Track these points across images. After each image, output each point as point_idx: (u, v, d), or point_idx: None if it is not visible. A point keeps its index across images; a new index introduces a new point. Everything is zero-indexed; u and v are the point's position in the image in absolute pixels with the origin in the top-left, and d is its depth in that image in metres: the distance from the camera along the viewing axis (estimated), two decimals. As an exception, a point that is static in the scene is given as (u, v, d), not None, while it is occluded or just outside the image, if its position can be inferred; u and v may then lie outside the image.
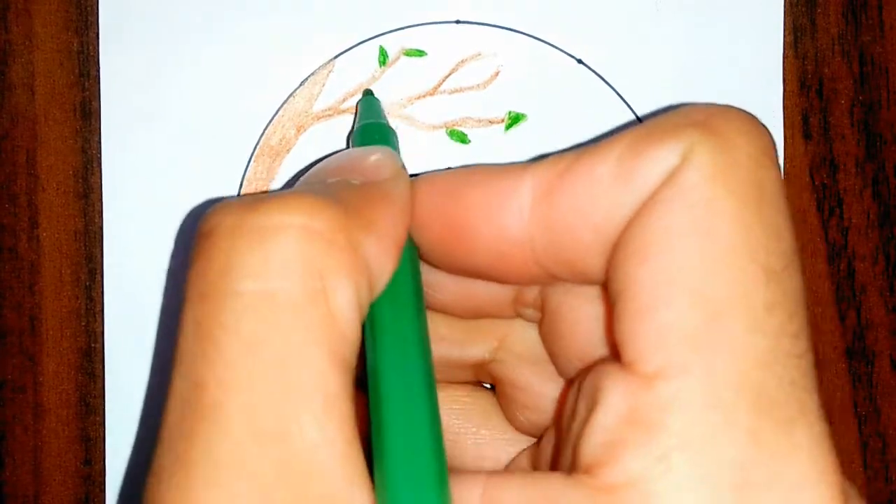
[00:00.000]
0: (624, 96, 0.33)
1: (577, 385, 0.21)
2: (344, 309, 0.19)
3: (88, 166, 0.33)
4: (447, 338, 0.26)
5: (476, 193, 0.22)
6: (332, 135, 0.33)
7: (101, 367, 0.33)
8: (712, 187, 0.19)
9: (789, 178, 0.34)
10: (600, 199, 0.20)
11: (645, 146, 0.20)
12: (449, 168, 0.23)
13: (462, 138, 0.33)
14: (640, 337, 0.19)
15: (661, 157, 0.19)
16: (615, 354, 0.20)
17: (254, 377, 0.18)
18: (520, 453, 0.26)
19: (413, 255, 0.23)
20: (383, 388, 0.20)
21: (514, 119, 0.33)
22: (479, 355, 0.26)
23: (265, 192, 0.22)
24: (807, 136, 0.34)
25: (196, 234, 0.20)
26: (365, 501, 0.18)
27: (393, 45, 0.33)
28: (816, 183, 0.34)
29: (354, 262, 0.19)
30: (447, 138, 0.33)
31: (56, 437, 0.33)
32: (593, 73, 0.33)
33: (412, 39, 0.33)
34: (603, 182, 0.20)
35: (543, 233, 0.21)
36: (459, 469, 0.23)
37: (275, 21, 0.33)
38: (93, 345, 0.33)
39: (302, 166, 0.33)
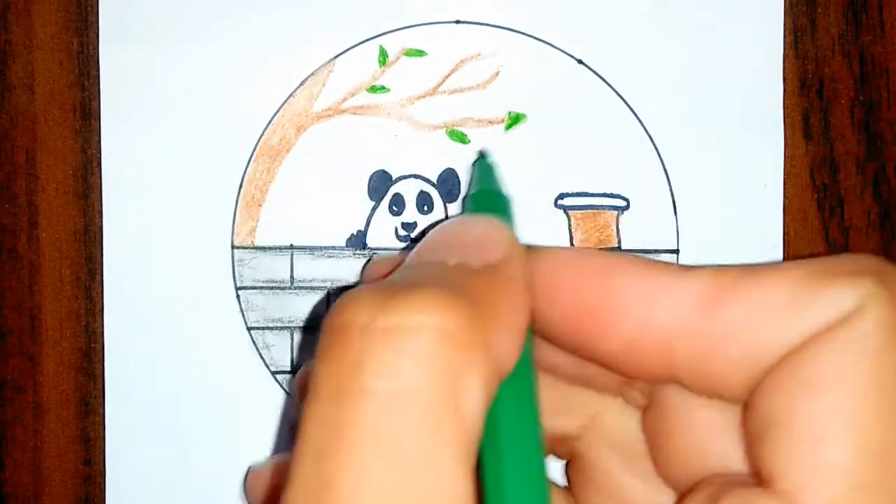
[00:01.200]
0: (624, 96, 0.33)
1: (706, 501, 0.21)
2: (474, 409, 0.19)
3: (88, 166, 0.33)
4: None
5: (629, 285, 0.22)
6: (331, 135, 0.33)
7: (101, 367, 0.33)
8: (885, 339, 0.19)
9: (789, 178, 0.34)
10: (769, 321, 0.20)
11: (822, 283, 0.20)
12: (572, 245, 0.23)
13: (462, 138, 0.33)
14: (802, 469, 0.19)
15: (838, 298, 0.20)
16: (757, 480, 0.20)
17: (385, 477, 0.18)
18: None
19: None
20: (507, 485, 0.20)
21: (514, 119, 0.33)
22: (566, 429, 0.26)
23: (392, 273, 0.23)
24: (807, 136, 0.34)
25: (326, 325, 0.20)
26: None
27: (393, 44, 0.33)
28: (817, 183, 0.34)
29: (485, 359, 0.19)
30: (447, 138, 0.33)
31: (56, 437, 0.33)
32: (593, 73, 0.33)
33: (412, 39, 0.33)
34: (774, 306, 0.20)
35: (692, 341, 0.21)
36: None
37: (275, 21, 0.33)
38: (93, 345, 0.33)
39: (302, 166, 0.33)
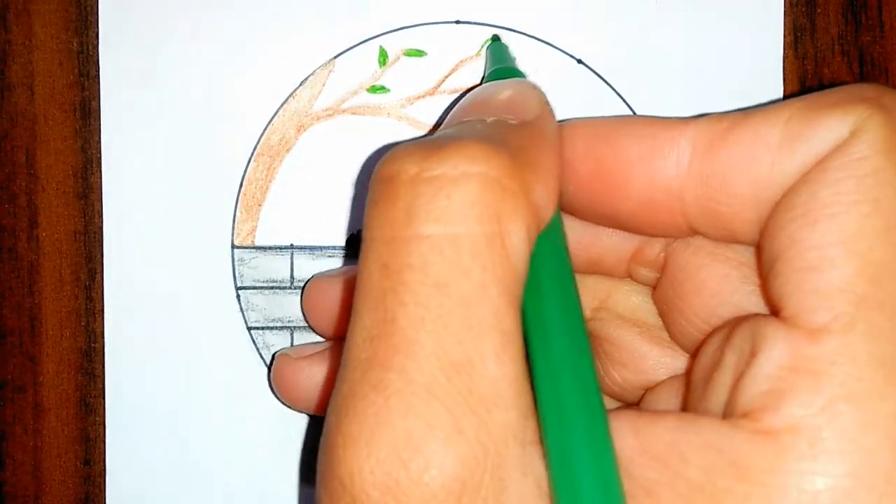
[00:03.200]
0: (624, 96, 0.33)
1: (723, 337, 0.22)
2: (518, 251, 0.20)
3: (88, 166, 0.33)
4: None
5: (633, 140, 0.23)
6: (331, 134, 0.33)
7: (101, 367, 0.33)
8: (881, 161, 0.20)
9: (789, 178, 0.34)
10: (764, 158, 0.21)
11: (816, 114, 0.21)
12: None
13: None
14: (806, 293, 0.19)
15: (832, 127, 0.20)
16: (771, 310, 0.21)
17: (442, 314, 0.19)
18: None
19: None
20: (554, 328, 0.21)
21: (514, 119, 0.33)
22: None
23: (433, 133, 0.24)
24: (807, 136, 0.34)
25: (375, 178, 0.21)
26: (534, 433, 0.19)
27: (393, 44, 0.33)
28: (816, 183, 0.34)
29: (527, 205, 0.20)
30: (447, 138, 0.33)
31: (56, 437, 0.33)
32: (593, 73, 0.33)
33: (412, 39, 0.33)
34: (769, 143, 0.21)
35: (699, 186, 0.22)
36: None
37: (275, 21, 0.33)
38: (93, 345, 0.33)
39: (302, 166, 0.33)
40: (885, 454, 0.18)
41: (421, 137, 0.22)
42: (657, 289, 0.26)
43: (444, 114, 0.33)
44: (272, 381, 0.32)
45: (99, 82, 0.33)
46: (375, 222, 0.20)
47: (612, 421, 0.20)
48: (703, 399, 0.22)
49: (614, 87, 0.33)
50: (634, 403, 0.26)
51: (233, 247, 0.33)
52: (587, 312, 0.27)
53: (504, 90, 0.25)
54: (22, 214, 0.33)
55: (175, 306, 0.33)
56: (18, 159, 0.33)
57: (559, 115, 0.33)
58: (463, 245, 0.20)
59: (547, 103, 0.24)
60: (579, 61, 0.33)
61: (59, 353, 0.33)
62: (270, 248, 0.33)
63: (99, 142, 0.33)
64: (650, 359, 0.26)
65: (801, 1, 0.33)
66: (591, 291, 0.27)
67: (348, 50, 0.33)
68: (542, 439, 0.19)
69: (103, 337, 0.33)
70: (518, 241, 0.20)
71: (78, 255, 0.33)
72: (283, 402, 0.32)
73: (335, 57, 0.33)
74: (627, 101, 0.33)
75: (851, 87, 0.21)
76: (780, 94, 0.33)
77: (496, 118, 0.23)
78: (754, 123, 0.21)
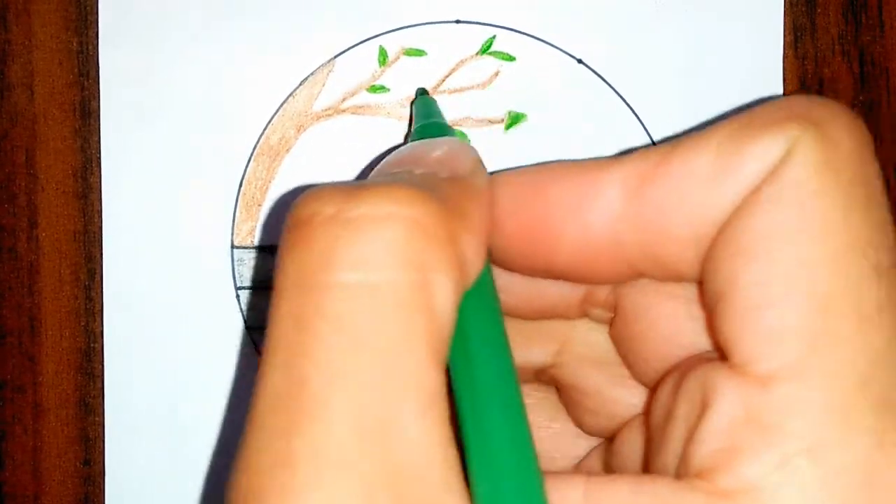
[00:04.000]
0: (624, 96, 0.33)
1: (673, 385, 0.21)
2: (444, 304, 0.18)
3: (88, 166, 0.33)
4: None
5: (561, 189, 0.21)
6: (331, 134, 0.33)
7: (100, 367, 0.33)
8: (819, 183, 0.18)
9: (789, 178, 0.34)
10: (698, 193, 0.19)
11: (745, 139, 0.19)
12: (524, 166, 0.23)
13: (462, 137, 0.33)
14: (753, 337, 0.18)
15: (764, 151, 0.19)
16: (719, 354, 0.19)
17: (358, 372, 0.17)
18: (590, 452, 0.26)
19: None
20: (480, 389, 0.19)
21: (514, 119, 0.33)
22: (541, 359, 0.25)
23: (353, 181, 0.22)
24: (807, 136, 0.34)
25: (288, 220, 0.19)
26: (461, 502, 0.17)
27: (393, 44, 0.33)
28: (816, 183, 0.34)
29: (455, 256, 0.19)
30: (447, 138, 0.33)
31: (56, 437, 0.33)
32: (593, 73, 0.33)
33: (412, 39, 0.33)
34: (700, 176, 0.19)
35: (634, 229, 0.20)
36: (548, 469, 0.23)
37: (274, 20, 0.33)
38: (92, 345, 0.33)
39: (302, 166, 0.33)
40: None
41: (343, 182, 0.20)
42: (612, 328, 0.24)
43: (367, 169, 0.33)
44: None
45: (98, 82, 0.33)
46: (288, 268, 0.18)
47: (562, 488, 0.18)
48: (660, 451, 0.20)
49: (614, 87, 0.33)
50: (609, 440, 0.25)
51: (232, 247, 0.33)
52: (549, 357, 0.25)
53: (436, 147, 0.23)
54: (21, 214, 0.33)
55: (175, 306, 0.33)
56: (18, 159, 0.33)
57: (559, 117, 0.33)
58: (384, 294, 0.18)
59: (479, 161, 0.23)
60: (579, 61, 0.33)
61: (58, 353, 0.33)
62: (270, 248, 0.33)
63: (98, 141, 0.33)
64: (619, 402, 0.24)
65: (801, 1, 0.33)
66: (549, 335, 0.25)
67: (348, 49, 0.33)
68: None
69: (103, 337, 0.33)
70: (444, 292, 0.18)
71: (77, 255, 0.33)
72: None
73: (335, 56, 0.33)
74: (627, 101, 0.33)
75: (780, 102, 0.20)
76: (779, 94, 0.33)
77: (426, 171, 0.22)
78: (683, 156, 0.20)
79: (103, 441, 0.33)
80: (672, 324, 0.22)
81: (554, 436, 0.26)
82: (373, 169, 0.24)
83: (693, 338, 0.22)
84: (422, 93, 0.33)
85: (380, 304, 0.18)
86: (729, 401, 0.18)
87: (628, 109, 0.33)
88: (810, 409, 0.17)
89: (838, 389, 0.17)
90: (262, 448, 0.17)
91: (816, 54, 0.34)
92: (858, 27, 0.33)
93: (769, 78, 0.33)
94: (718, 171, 0.19)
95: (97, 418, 0.33)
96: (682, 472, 0.19)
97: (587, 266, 0.21)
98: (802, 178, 0.18)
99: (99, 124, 0.33)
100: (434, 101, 0.32)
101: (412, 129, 0.31)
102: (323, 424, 0.17)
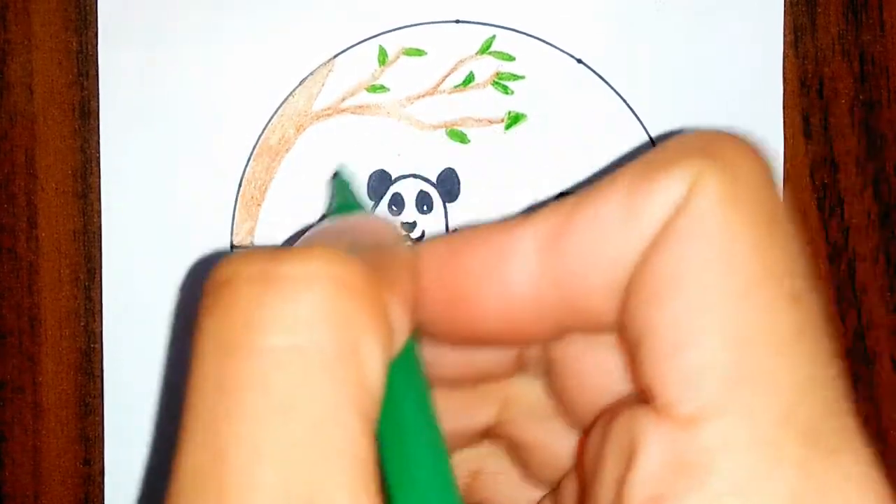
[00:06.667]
0: (624, 96, 0.33)
1: (600, 431, 0.20)
2: (373, 366, 0.18)
3: (87, 166, 0.33)
4: (449, 409, 0.24)
5: (475, 255, 0.21)
6: (331, 134, 0.33)
7: (100, 367, 0.33)
8: (725, 213, 0.18)
9: (789, 178, 0.34)
10: (608, 240, 0.19)
11: (648, 179, 0.19)
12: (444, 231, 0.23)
13: (462, 138, 0.33)
14: (672, 380, 0.18)
15: (667, 188, 0.19)
16: (642, 398, 0.19)
17: (284, 441, 0.16)
18: (542, 499, 0.25)
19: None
20: (412, 459, 0.19)
21: (514, 119, 0.33)
22: (485, 420, 0.25)
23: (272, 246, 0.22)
24: (807, 135, 0.34)
25: (208, 283, 0.18)
26: None
27: (392, 44, 0.33)
28: (817, 183, 0.34)
29: (382, 318, 0.18)
30: (447, 138, 0.33)
31: (56, 437, 0.33)
32: (593, 73, 0.33)
33: (412, 39, 0.33)
34: (609, 222, 0.19)
35: (552, 284, 0.20)
36: None
37: (274, 20, 0.33)
38: (92, 345, 0.33)
39: (301, 165, 0.33)
40: None
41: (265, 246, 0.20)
42: (547, 383, 0.24)
43: (298, 235, 0.32)
44: None
45: (98, 82, 0.33)
46: (208, 331, 0.18)
47: None
48: (595, 499, 0.20)
49: (614, 87, 0.33)
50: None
51: (232, 246, 0.33)
52: (491, 418, 0.25)
53: (357, 220, 0.23)
54: (21, 214, 0.33)
55: (174, 306, 0.33)
56: (18, 159, 0.33)
57: (559, 117, 0.33)
58: (311, 357, 0.17)
59: (401, 234, 0.23)
60: (579, 61, 0.33)
61: (58, 353, 0.33)
62: (270, 247, 0.33)
63: (98, 141, 0.33)
64: (561, 454, 0.24)
65: (801, 1, 0.33)
66: (489, 396, 0.25)
67: (348, 49, 0.33)
68: None
69: (102, 337, 0.33)
70: (373, 356, 0.18)
71: (77, 254, 0.33)
72: None
73: (334, 56, 0.33)
74: (627, 101, 0.33)
75: (682, 137, 0.20)
76: (779, 94, 0.33)
77: (350, 240, 0.21)
78: (593, 203, 0.19)
79: (103, 441, 0.33)
80: (600, 373, 0.22)
81: (506, 484, 0.26)
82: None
83: (622, 385, 0.21)
84: (337, 175, 0.32)
85: (307, 368, 0.17)
86: (655, 446, 0.18)
87: (628, 109, 0.33)
88: (735, 447, 0.17)
89: (762, 424, 0.17)
90: None
91: (816, 54, 0.33)
92: (858, 27, 0.33)
93: (769, 78, 0.33)
94: (627, 214, 0.19)
95: (97, 418, 0.33)
96: None
97: (512, 329, 0.21)
98: (707, 211, 0.18)
99: (98, 124, 0.33)
100: (349, 182, 0.31)
101: (330, 207, 0.31)
102: (248, 501, 0.16)
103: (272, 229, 0.33)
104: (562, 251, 0.20)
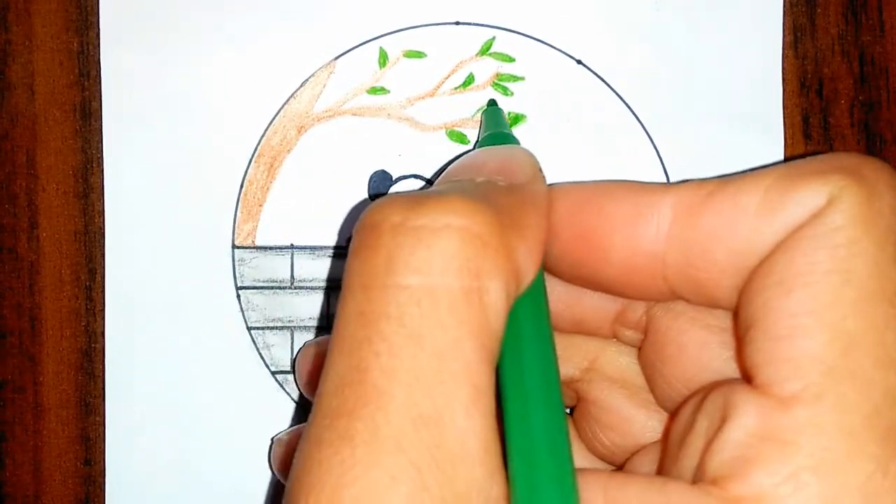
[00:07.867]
0: (624, 96, 0.33)
1: (697, 402, 0.22)
2: (495, 308, 0.20)
3: (88, 166, 0.33)
4: None
5: (616, 206, 0.23)
6: (332, 136, 0.33)
7: (101, 367, 0.33)
8: (855, 231, 0.20)
9: (789, 178, 0.34)
10: (743, 226, 0.21)
11: (793, 184, 0.21)
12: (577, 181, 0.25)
13: (462, 139, 0.33)
14: (778, 362, 0.20)
15: (809, 197, 0.21)
16: (745, 377, 0.21)
17: (414, 366, 0.19)
18: None
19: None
20: (527, 388, 0.21)
21: (514, 119, 0.33)
22: (570, 373, 0.27)
23: (420, 190, 0.24)
24: (807, 136, 0.34)
25: (358, 226, 0.21)
26: (501, 490, 0.19)
27: (393, 46, 0.33)
28: (817, 183, 0.34)
29: (507, 264, 0.20)
30: (447, 139, 0.33)
31: (56, 437, 0.33)
32: (593, 74, 0.33)
33: (412, 40, 0.33)
34: (748, 211, 0.21)
35: (679, 251, 0.22)
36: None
37: (275, 22, 0.33)
38: (93, 345, 0.33)
39: (302, 167, 0.33)
40: None
41: (410, 192, 0.22)
42: (641, 351, 0.26)
43: (436, 175, 0.33)
44: (296, 368, 0.31)
45: (100, 82, 0.33)
46: (355, 269, 0.21)
47: (583, 482, 0.20)
48: (676, 463, 0.22)
49: (614, 87, 0.33)
50: (621, 467, 0.27)
51: (233, 247, 0.33)
52: (577, 372, 0.27)
53: (497, 154, 0.25)
54: (22, 214, 0.33)
55: (175, 306, 0.33)
56: (19, 159, 0.33)
57: (559, 118, 0.33)
58: (440, 298, 0.20)
59: (539, 169, 0.25)
60: (579, 61, 0.33)
61: (58, 353, 0.33)
62: (271, 248, 0.33)
63: (99, 142, 0.33)
64: (636, 422, 0.26)
65: (801, 1, 0.33)
66: (580, 351, 0.27)
67: (348, 51, 0.33)
68: (510, 496, 0.20)
69: (103, 337, 0.33)
70: (496, 298, 0.20)
71: (78, 255, 0.33)
72: (303, 392, 0.32)
73: (335, 58, 0.33)
74: (627, 101, 0.33)
75: (832, 155, 0.22)
76: (779, 94, 0.33)
77: (486, 179, 0.23)
78: (734, 191, 0.22)
79: (104, 441, 0.33)
80: (701, 349, 0.24)
81: None
82: (442, 173, 0.26)
83: (719, 366, 0.23)
84: (491, 103, 0.33)
85: (436, 306, 0.19)
86: (748, 416, 0.20)
87: (628, 110, 0.33)
88: (823, 432, 0.19)
89: (850, 416, 0.19)
90: (324, 426, 0.19)
91: (816, 54, 0.34)
92: (858, 27, 0.34)
93: (769, 78, 0.33)
94: (765, 209, 0.21)
95: (98, 418, 0.33)
96: (697, 479, 0.20)
97: (630, 280, 0.23)
98: (841, 225, 0.20)
99: (100, 124, 0.33)
100: (501, 112, 0.33)
101: (479, 138, 0.32)
102: (382, 410, 0.19)
103: (274, 230, 0.33)
104: (696, 224, 0.22)
